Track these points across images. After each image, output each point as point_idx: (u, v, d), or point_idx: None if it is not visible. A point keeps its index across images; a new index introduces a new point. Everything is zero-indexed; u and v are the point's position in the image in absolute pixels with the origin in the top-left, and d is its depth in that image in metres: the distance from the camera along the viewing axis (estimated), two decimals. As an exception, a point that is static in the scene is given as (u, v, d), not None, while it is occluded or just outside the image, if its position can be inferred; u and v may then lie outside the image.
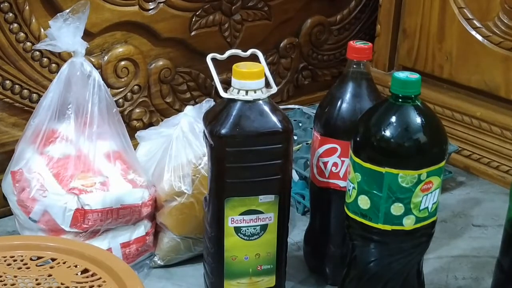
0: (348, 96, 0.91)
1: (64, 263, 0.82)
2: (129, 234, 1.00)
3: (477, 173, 1.32)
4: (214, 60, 0.90)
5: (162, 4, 1.22)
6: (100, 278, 0.79)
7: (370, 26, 1.52)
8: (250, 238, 0.90)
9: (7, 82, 1.09)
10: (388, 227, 0.82)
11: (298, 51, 1.45)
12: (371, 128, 0.81)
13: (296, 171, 1.17)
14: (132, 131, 1.13)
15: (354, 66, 0.91)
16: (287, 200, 0.91)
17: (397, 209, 0.81)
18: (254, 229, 0.90)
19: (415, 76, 0.80)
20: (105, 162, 0.99)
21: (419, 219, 0.82)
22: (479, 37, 1.27)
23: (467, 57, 1.29)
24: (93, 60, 1.16)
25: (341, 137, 0.91)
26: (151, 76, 1.25)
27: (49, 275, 0.80)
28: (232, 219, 0.89)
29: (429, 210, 0.82)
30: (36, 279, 0.79)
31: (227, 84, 0.89)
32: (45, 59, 1.11)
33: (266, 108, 0.86)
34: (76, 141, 0.98)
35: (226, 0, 1.29)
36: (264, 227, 0.90)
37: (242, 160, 0.86)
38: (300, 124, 1.35)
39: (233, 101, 0.86)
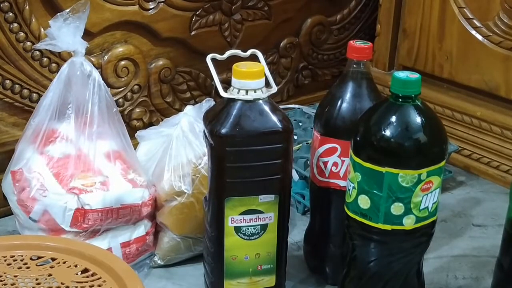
0: (348, 95, 0.91)
1: (64, 262, 0.82)
2: (129, 233, 1.00)
3: (477, 173, 1.32)
4: (214, 60, 0.90)
5: (162, 3, 1.22)
6: (100, 278, 0.79)
7: (370, 26, 1.52)
8: (250, 237, 0.90)
9: (7, 81, 1.09)
10: (388, 227, 0.82)
11: (298, 50, 1.45)
12: (371, 127, 0.81)
13: (296, 171, 1.17)
14: (132, 130, 1.13)
15: (354, 65, 0.91)
16: (287, 199, 0.91)
17: (397, 208, 0.81)
18: (254, 228, 0.90)
19: (415, 75, 0.80)
20: (105, 162, 0.99)
21: (419, 218, 0.82)
22: (479, 37, 1.27)
23: (467, 57, 1.29)
24: (93, 59, 1.16)
25: (341, 137, 0.91)
26: (151, 75, 1.25)
27: (49, 275, 0.80)
28: (232, 219, 0.89)
29: (429, 209, 0.82)
30: (36, 279, 0.79)
31: (227, 84, 0.89)
32: (45, 59, 1.11)
33: (266, 108, 0.86)
34: (76, 140, 0.98)
35: (226, 0, 1.29)
36: (264, 227, 0.90)
37: (242, 160, 0.86)
38: (300, 124, 1.35)
39: (233, 100, 0.86)
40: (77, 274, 0.80)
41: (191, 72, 1.31)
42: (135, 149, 1.05)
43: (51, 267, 0.81)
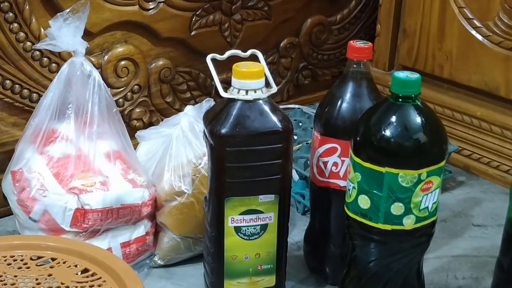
0: (348, 95, 0.91)
1: (64, 262, 0.82)
2: (129, 233, 1.00)
3: (477, 173, 1.32)
4: (214, 60, 0.90)
5: (162, 3, 1.22)
6: (100, 278, 0.79)
7: (370, 26, 1.52)
8: (250, 237, 0.90)
9: (7, 81, 1.09)
10: (388, 227, 0.82)
11: (298, 50, 1.45)
12: (371, 127, 0.81)
13: (296, 171, 1.17)
14: (132, 130, 1.13)
15: (354, 65, 0.91)
16: (287, 199, 0.91)
17: (397, 208, 0.81)
18: (254, 228, 0.90)
19: (415, 75, 0.80)
20: (105, 162, 0.99)
21: (419, 218, 0.82)
22: (479, 37, 1.27)
23: (467, 57, 1.29)
24: (93, 59, 1.16)
25: (341, 137, 0.91)
26: (151, 75, 1.25)
27: (49, 275, 0.80)
28: (232, 219, 0.89)
29: (429, 209, 0.82)
30: (36, 279, 0.79)
31: (227, 84, 0.89)
32: (45, 59, 1.11)
33: (266, 108, 0.86)
34: (76, 140, 0.98)
35: (226, 0, 1.29)
36: (264, 227, 0.90)
37: (242, 160, 0.86)
38: (300, 124, 1.35)
39: (233, 100, 0.86)
40: (77, 274, 0.80)
41: (191, 72, 1.31)
42: (135, 149, 1.05)
43: (51, 267, 0.81)
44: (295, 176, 1.15)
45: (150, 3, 1.20)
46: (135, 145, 1.06)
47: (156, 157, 1.03)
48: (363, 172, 0.81)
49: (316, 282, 1.01)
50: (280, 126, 0.86)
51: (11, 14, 1.06)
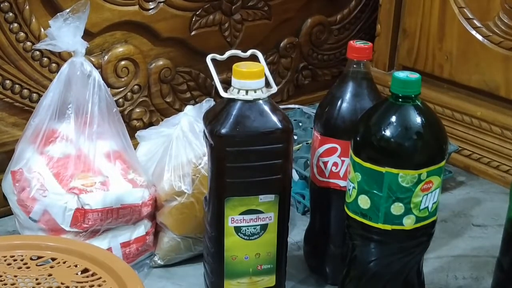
0: (348, 95, 0.91)
1: (64, 262, 0.82)
2: (129, 233, 1.00)
3: (477, 173, 1.32)
4: (214, 60, 0.90)
5: (162, 3, 1.22)
6: (100, 278, 0.79)
7: (370, 26, 1.52)
8: (250, 237, 0.90)
9: (7, 81, 1.09)
10: (388, 227, 0.82)
11: (298, 50, 1.45)
12: (371, 127, 0.81)
13: (296, 171, 1.17)
14: (132, 130, 1.13)
15: (354, 65, 0.91)
16: (287, 199, 0.91)
17: (397, 208, 0.81)
18: (254, 228, 0.90)
19: (415, 75, 0.80)
20: (105, 162, 0.99)
21: (419, 218, 0.82)
22: (479, 37, 1.27)
23: (467, 57, 1.29)
24: (93, 59, 1.16)
25: (341, 137, 0.91)
26: (151, 75, 1.25)
27: (49, 275, 0.80)
28: (232, 219, 0.89)
29: (429, 209, 0.82)
30: (36, 279, 0.79)
31: (227, 84, 0.89)
32: (45, 59, 1.11)
33: (266, 108, 0.86)
34: (76, 140, 0.98)
35: (226, 0, 1.29)
36: (264, 227, 0.90)
37: (242, 160, 0.86)
38: (300, 124, 1.35)
39: (233, 100, 0.86)
40: (77, 274, 0.80)
41: (191, 72, 1.31)
42: (135, 149, 1.05)
43: (51, 267, 0.81)
44: (295, 176, 1.15)
45: (150, 3, 1.20)
46: (135, 145, 1.06)
47: (156, 157, 1.04)
48: (363, 172, 0.81)
49: (316, 282, 1.01)
50: (280, 126, 0.86)
51: (11, 14, 1.06)
